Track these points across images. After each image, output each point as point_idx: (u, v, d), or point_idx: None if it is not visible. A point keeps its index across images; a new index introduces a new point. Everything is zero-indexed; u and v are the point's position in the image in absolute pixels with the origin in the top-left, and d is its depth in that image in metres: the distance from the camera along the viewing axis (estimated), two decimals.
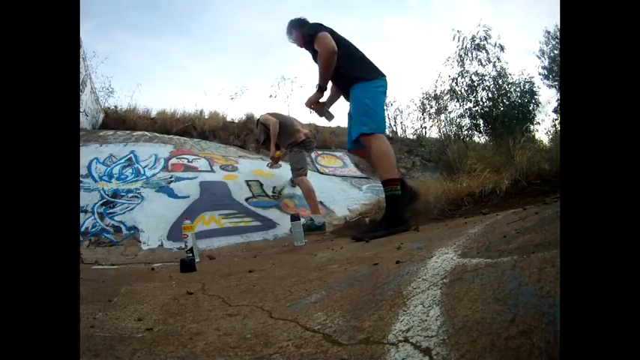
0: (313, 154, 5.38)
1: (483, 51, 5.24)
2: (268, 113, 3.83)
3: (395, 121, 8.09)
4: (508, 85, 5.27)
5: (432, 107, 7.02)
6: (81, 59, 4.69)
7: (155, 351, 0.71)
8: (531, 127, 5.21)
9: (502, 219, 1.50)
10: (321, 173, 5.13)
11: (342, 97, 2.52)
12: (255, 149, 5.62)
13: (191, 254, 2.08)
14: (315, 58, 2.34)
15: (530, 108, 5.25)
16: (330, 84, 2.37)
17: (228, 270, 1.65)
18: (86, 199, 3.12)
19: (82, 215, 2.92)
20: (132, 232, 2.81)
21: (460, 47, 5.34)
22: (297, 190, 3.95)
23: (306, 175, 3.40)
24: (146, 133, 4.94)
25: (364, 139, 2.17)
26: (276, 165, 3.97)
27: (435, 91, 6.68)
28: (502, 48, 5.21)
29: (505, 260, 0.81)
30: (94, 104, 5.57)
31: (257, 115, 6.60)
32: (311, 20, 2.48)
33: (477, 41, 5.22)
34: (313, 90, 2.36)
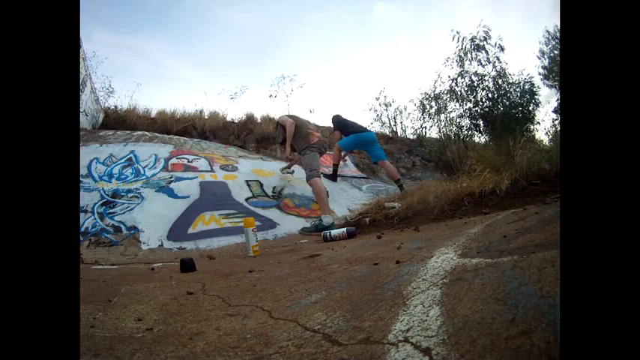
0: None
1: (483, 51, 5.24)
2: (286, 115, 4.00)
3: (395, 121, 8.10)
4: (508, 85, 5.27)
5: (431, 107, 7.02)
6: (81, 59, 4.69)
7: (155, 351, 0.71)
8: (531, 127, 5.21)
9: (502, 219, 1.50)
10: (321, 173, 5.13)
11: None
12: (255, 149, 5.62)
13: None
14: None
15: (530, 108, 5.25)
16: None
17: (228, 270, 1.65)
18: (86, 199, 3.11)
19: (82, 215, 2.92)
20: (132, 232, 2.81)
21: (460, 48, 5.34)
22: (297, 190, 3.95)
23: (319, 176, 3.43)
24: (146, 133, 4.94)
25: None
26: (288, 170, 4.04)
27: (435, 91, 6.68)
28: (502, 48, 5.21)
29: (505, 260, 0.81)
30: (94, 104, 5.56)
31: (257, 115, 6.60)
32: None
33: (477, 42, 5.22)
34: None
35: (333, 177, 4.63)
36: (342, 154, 4.73)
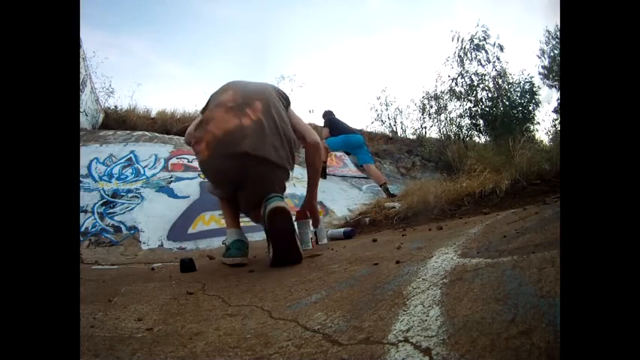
0: None
1: (483, 51, 5.25)
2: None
3: (395, 121, 8.10)
4: (508, 85, 5.28)
5: (432, 107, 7.02)
6: (81, 59, 4.69)
7: (155, 351, 0.71)
8: (531, 127, 5.22)
9: (502, 219, 1.51)
10: None
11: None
12: None
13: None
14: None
15: (530, 108, 5.26)
16: None
17: (228, 270, 1.64)
18: (86, 199, 3.12)
19: (82, 215, 2.92)
20: (132, 232, 2.82)
21: (459, 48, 5.35)
22: (297, 190, 3.95)
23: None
24: (146, 133, 4.94)
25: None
26: None
27: (435, 91, 6.68)
28: (502, 48, 5.22)
29: (505, 260, 0.81)
30: (94, 104, 5.56)
31: None
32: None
33: (476, 42, 5.23)
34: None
35: (323, 174, 4.70)
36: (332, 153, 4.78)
